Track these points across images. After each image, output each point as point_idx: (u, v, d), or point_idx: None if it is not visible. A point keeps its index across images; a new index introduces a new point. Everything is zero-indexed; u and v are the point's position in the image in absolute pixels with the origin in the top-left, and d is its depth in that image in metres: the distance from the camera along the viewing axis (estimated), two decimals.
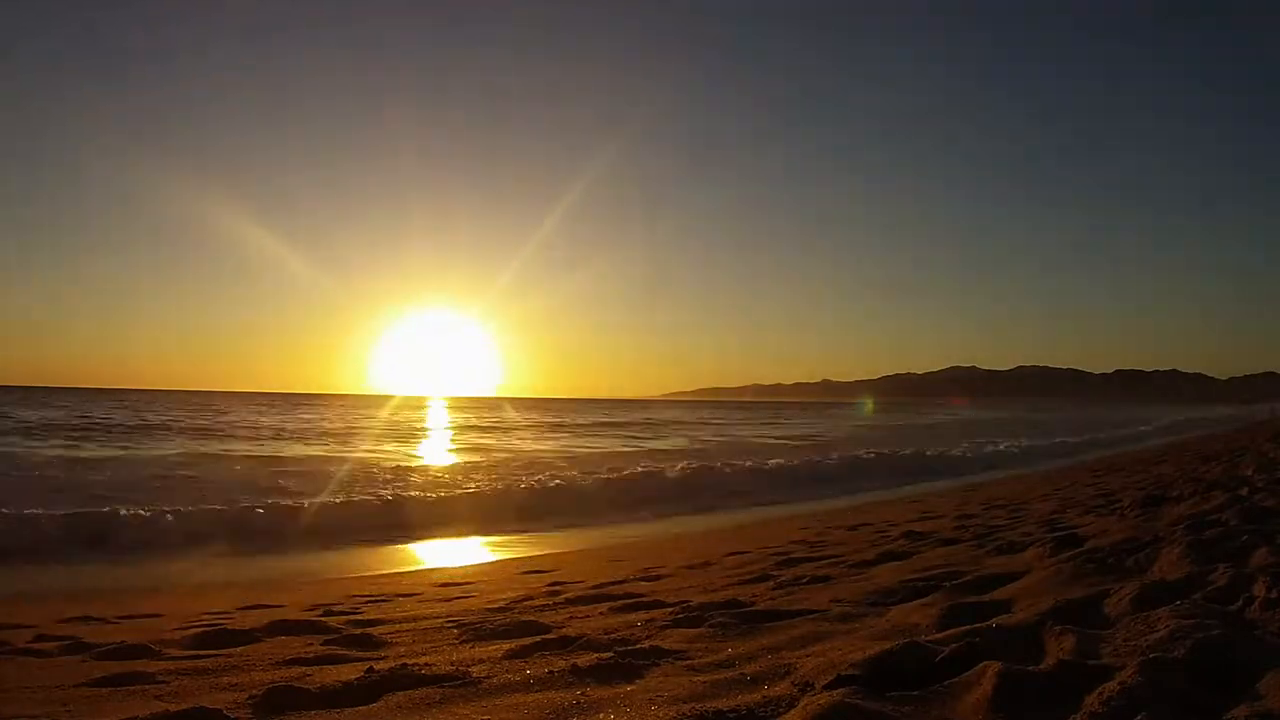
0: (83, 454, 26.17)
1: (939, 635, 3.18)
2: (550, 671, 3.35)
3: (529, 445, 36.64)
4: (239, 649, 4.50)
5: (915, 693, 2.55)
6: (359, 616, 5.74)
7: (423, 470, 25.50)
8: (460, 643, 4.34)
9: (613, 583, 6.54)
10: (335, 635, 4.81)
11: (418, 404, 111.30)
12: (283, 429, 47.26)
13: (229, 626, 5.20)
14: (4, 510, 12.04)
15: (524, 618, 4.88)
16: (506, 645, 4.01)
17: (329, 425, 52.06)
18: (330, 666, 3.90)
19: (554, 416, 70.23)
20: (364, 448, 33.87)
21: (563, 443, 38.29)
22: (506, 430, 49.23)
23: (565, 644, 3.90)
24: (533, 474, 23.73)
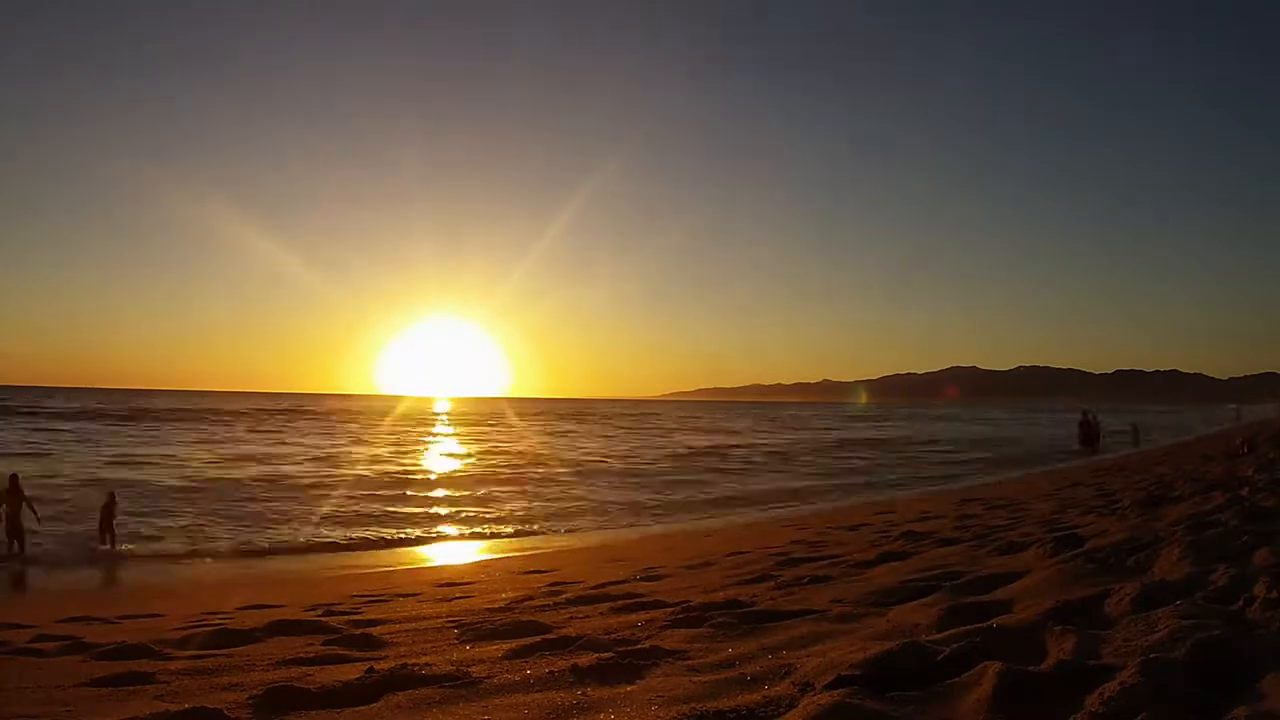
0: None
1: (939, 635, 3.17)
2: (550, 671, 3.35)
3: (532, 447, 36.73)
4: (239, 649, 4.51)
5: (915, 693, 2.55)
6: (359, 616, 5.75)
7: (426, 472, 25.52)
8: (460, 643, 4.34)
9: (613, 583, 6.55)
10: (335, 635, 4.82)
11: (425, 405, 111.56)
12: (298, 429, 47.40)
13: (229, 626, 5.20)
14: None
15: (524, 618, 4.88)
16: (507, 645, 4.01)
17: (341, 424, 52.18)
18: (330, 666, 3.91)
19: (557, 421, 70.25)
20: (372, 450, 33.91)
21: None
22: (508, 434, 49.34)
23: (565, 644, 3.90)
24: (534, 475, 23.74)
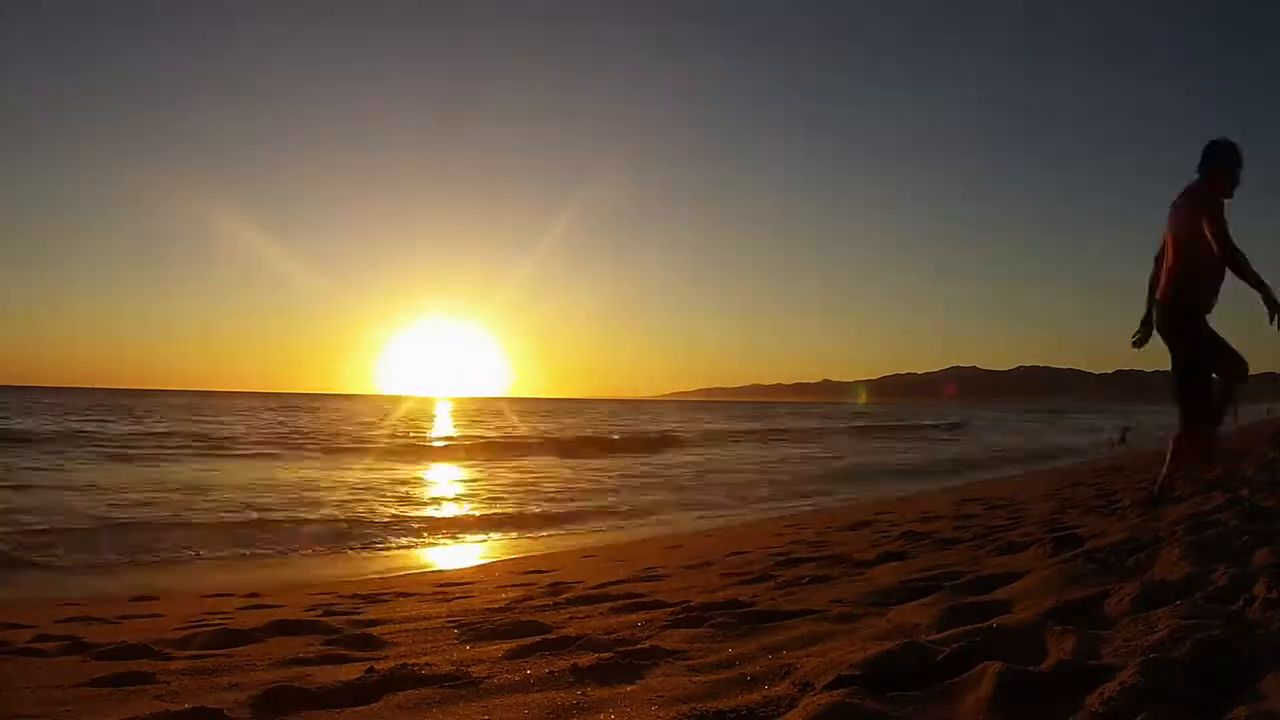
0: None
1: (939, 635, 3.17)
2: (550, 671, 3.35)
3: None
4: (239, 649, 4.50)
5: (915, 693, 2.55)
6: (359, 616, 5.74)
7: (426, 471, 25.52)
8: (460, 643, 4.34)
9: (613, 583, 6.54)
10: (335, 635, 4.81)
11: (426, 405, 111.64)
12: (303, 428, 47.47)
13: (229, 626, 5.19)
14: None
15: (524, 618, 4.88)
16: (507, 645, 4.01)
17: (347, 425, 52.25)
18: (330, 666, 3.90)
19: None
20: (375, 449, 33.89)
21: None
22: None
23: (565, 644, 3.90)
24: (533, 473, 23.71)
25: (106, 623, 6.12)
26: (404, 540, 13.50)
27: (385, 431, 45.90)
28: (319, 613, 5.95)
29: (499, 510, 16.83)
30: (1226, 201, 6.75)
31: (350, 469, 24.78)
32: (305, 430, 46.59)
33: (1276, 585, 3.30)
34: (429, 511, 16.70)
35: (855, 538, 8.89)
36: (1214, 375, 6.92)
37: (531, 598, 6.13)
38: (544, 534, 14.08)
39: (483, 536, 14.01)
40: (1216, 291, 6.87)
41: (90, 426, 42.45)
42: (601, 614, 4.98)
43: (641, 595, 5.63)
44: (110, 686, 3.69)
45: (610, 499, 18.35)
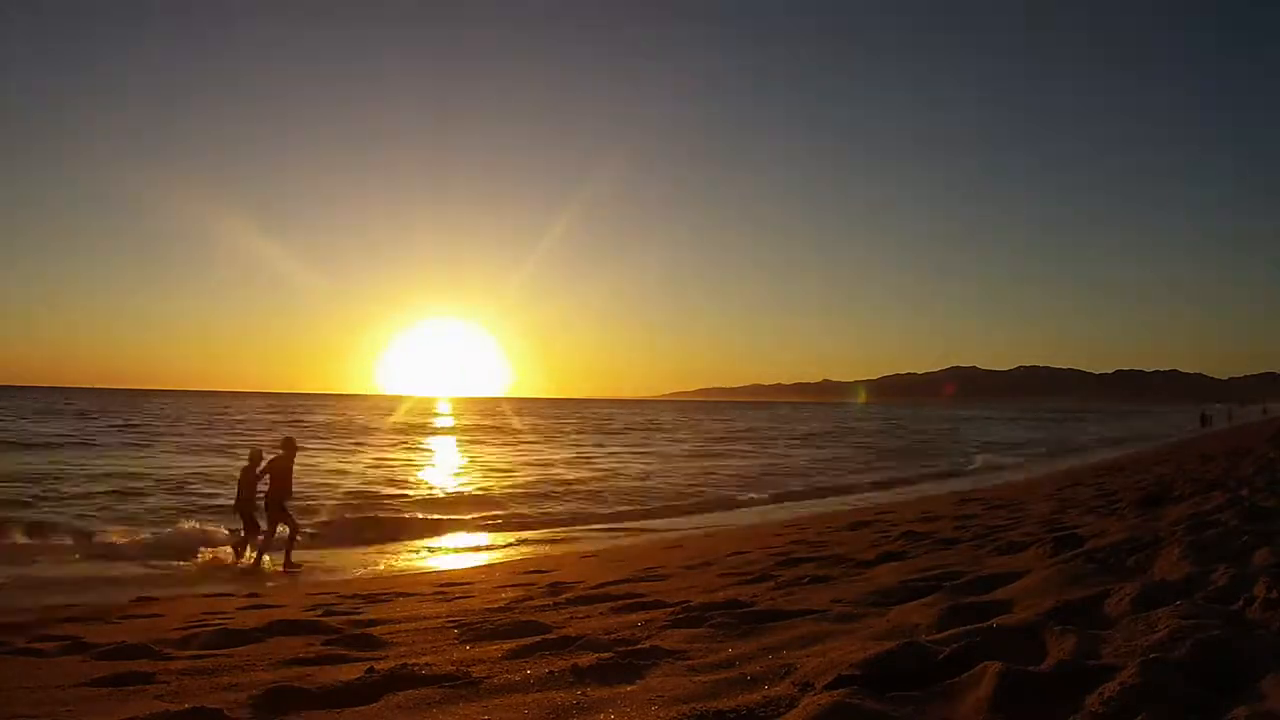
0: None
1: (939, 635, 3.17)
2: (550, 671, 3.35)
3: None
4: (239, 649, 4.51)
5: (915, 693, 2.55)
6: (359, 616, 5.75)
7: (429, 472, 25.53)
8: (460, 643, 4.35)
9: (613, 583, 6.55)
10: (335, 635, 4.82)
11: (427, 406, 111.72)
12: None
13: (229, 626, 5.20)
14: None
15: (524, 618, 4.88)
16: (507, 645, 4.01)
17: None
18: (330, 666, 3.91)
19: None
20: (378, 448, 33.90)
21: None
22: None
23: (566, 644, 3.90)
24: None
25: (106, 623, 6.13)
26: (404, 540, 13.51)
27: (391, 434, 45.87)
28: (319, 613, 5.96)
29: (500, 510, 16.86)
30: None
31: (349, 472, 24.79)
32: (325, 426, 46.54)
33: (1276, 585, 3.30)
34: (429, 511, 16.71)
35: (855, 538, 8.89)
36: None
37: (531, 598, 6.14)
38: (544, 534, 14.10)
39: (483, 536, 14.03)
40: None
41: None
42: (601, 614, 4.98)
43: (641, 595, 5.63)
44: (110, 686, 3.70)
45: None
